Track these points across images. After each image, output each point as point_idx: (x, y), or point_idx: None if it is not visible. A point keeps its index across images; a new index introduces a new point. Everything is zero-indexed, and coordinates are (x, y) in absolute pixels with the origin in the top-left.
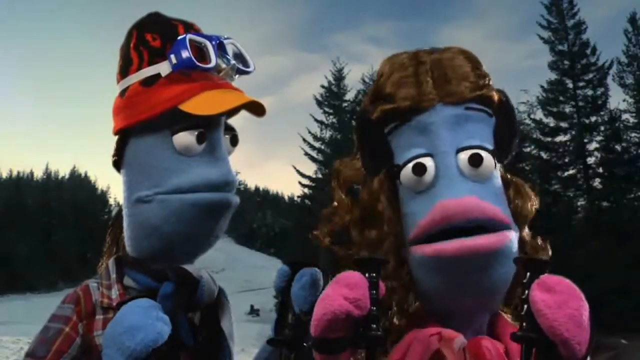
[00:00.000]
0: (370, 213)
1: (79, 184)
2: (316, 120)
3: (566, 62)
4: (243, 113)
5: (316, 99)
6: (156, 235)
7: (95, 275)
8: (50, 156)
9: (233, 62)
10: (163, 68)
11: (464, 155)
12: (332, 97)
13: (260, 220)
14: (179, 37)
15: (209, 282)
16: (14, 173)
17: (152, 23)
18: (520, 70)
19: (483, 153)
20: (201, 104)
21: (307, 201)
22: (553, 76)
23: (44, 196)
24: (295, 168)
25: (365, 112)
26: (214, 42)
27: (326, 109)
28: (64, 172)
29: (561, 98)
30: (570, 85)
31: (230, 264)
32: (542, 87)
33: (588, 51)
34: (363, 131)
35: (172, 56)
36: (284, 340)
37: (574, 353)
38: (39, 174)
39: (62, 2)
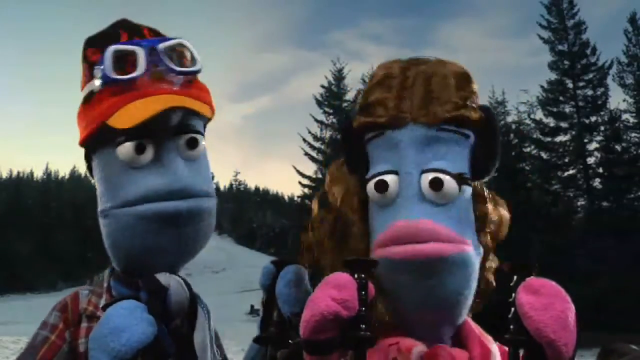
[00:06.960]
0: (345, 224)
1: (79, 184)
2: (316, 120)
3: (566, 62)
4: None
5: (316, 99)
6: (118, 249)
7: (91, 282)
8: (50, 156)
9: (167, 65)
10: (95, 84)
11: (427, 178)
12: (332, 97)
13: (260, 220)
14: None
15: (177, 289)
16: (14, 173)
17: (98, 35)
18: (520, 68)
19: (445, 177)
20: (123, 117)
21: (307, 201)
22: (553, 76)
23: (44, 196)
24: (295, 168)
25: (350, 118)
26: (145, 48)
27: (326, 109)
28: (64, 172)
29: (561, 98)
30: (570, 85)
31: (230, 263)
32: (542, 87)
33: (588, 51)
34: (346, 136)
35: (98, 71)
36: (269, 338)
37: (561, 354)
38: (39, 174)
39: (62, 2)
